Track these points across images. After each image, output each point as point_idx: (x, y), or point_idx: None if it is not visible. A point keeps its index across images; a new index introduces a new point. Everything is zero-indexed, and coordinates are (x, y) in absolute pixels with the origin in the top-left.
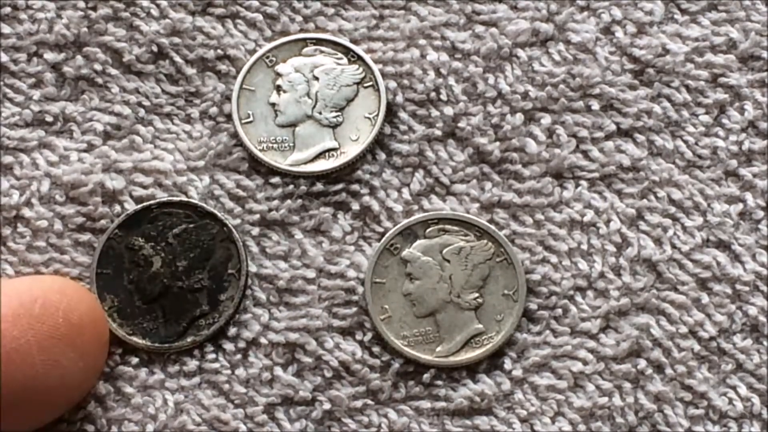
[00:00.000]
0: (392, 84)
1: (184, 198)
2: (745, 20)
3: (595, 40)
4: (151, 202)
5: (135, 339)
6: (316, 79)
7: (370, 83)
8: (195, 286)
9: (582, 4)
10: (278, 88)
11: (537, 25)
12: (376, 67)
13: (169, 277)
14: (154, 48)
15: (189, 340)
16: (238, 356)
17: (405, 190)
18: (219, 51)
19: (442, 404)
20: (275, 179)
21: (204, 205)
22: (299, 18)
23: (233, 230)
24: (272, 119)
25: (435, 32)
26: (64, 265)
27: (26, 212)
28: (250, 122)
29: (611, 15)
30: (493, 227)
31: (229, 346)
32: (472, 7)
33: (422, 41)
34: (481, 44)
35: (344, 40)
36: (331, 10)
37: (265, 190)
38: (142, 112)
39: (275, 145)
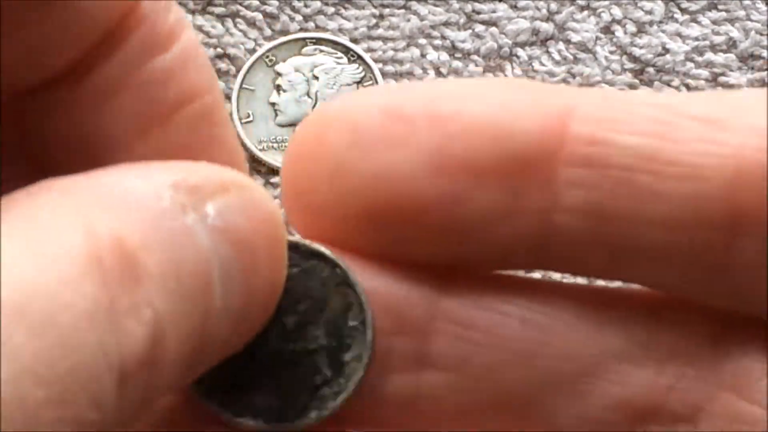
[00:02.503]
0: (392, 83)
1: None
2: (745, 19)
3: (595, 39)
4: None
5: (244, 421)
6: (316, 78)
7: (370, 82)
8: (311, 347)
9: (582, 3)
10: (278, 88)
11: (537, 24)
12: (375, 67)
13: (278, 339)
14: None
15: (313, 416)
16: None
17: None
18: (219, 50)
19: None
20: (275, 179)
21: (308, 243)
22: (299, 17)
23: (348, 272)
24: (272, 119)
25: (435, 31)
26: None
27: None
28: (250, 122)
29: (611, 14)
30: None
31: None
32: (472, 7)
33: (422, 40)
34: (481, 44)
35: (344, 40)
36: (331, 10)
37: (265, 189)
38: None
39: (275, 145)
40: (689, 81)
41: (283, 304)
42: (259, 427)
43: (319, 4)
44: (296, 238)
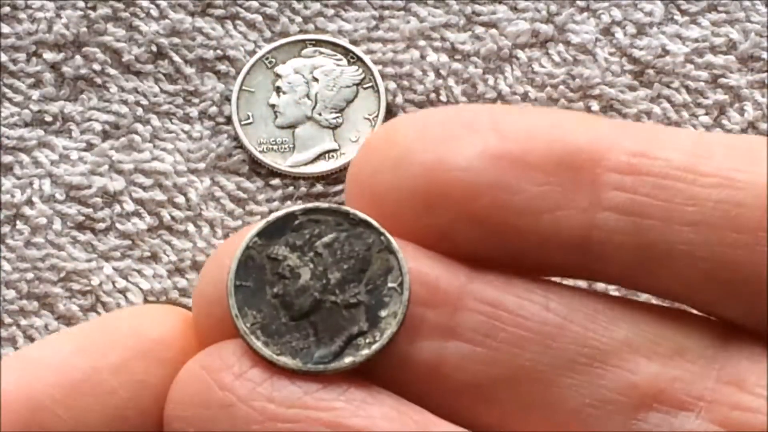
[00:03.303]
0: (392, 85)
1: (333, 204)
2: (744, 21)
3: (594, 41)
4: (295, 208)
5: (284, 360)
6: (316, 80)
7: (370, 84)
8: (351, 301)
9: (582, 5)
10: (278, 90)
11: (537, 26)
12: (375, 68)
13: (320, 291)
14: (154, 48)
15: (347, 361)
16: None
17: None
18: (218, 51)
19: None
20: (275, 181)
21: (359, 213)
22: (299, 19)
23: (392, 240)
24: (272, 121)
25: (435, 33)
26: (62, 260)
27: (27, 211)
28: (250, 123)
29: (611, 16)
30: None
31: None
32: (472, 8)
33: (422, 42)
34: (480, 45)
35: (344, 41)
36: (330, 11)
37: (265, 191)
38: (139, 111)
39: (275, 147)
40: (689, 82)
41: (329, 261)
42: (297, 366)
43: (318, 5)
44: (348, 207)
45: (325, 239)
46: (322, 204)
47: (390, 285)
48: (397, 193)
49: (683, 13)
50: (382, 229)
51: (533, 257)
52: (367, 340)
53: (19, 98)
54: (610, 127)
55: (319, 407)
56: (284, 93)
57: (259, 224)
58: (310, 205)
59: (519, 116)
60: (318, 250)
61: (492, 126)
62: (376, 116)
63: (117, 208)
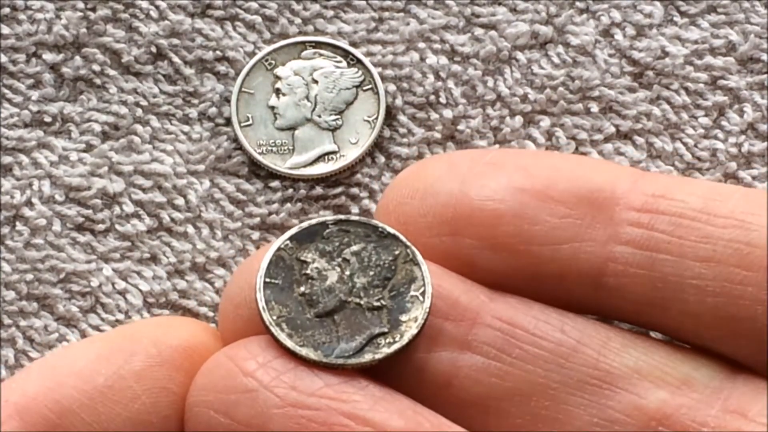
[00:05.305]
0: (391, 87)
1: (363, 218)
2: (744, 23)
3: (594, 42)
4: (327, 218)
5: (305, 351)
6: (316, 82)
7: (370, 86)
8: (374, 304)
9: (581, 6)
10: (277, 91)
11: (536, 27)
12: (375, 70)
13: (345, 293)
14: (153, 49)
15: (367, 357)
16: None
17: None
18: (218, 53)
19: None
20: (275, 183)
21: (387, 227)
22: (298, 20)
23: (417, 253)
24: (272, 122)
25: (434, 35)
26: (61, 261)
27: (26, 212)
28: (250, 125)
29: (610, 17)
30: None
31: None
32: (472, 10)
33: (421, 44)
34: (480, 47)
35: (343, 43)
36: (330, 13)
37: (264, 193)
38: (139, 112)
39: (275, 149)
40: (688, 84)
41: (356, 267)
42: (318, 358)
43: (318, 7)
44: (376, 221)
45: (354, 248)
46: (353, 216)
47: (413, 293)
48: (424, 219)
49: (683, 14)
50: (408, 243)
51: (550, 287)
52: (388, 340)
53: (18, 99)
54: (630, 172)
55: (339, 398)
56: (284, 95)
57: (292, 229)
58: (341, 216)
59: (543, 158)
60: (346, 256)
61: (517, 164)
62: (376, 118)
63: (116, 209)
